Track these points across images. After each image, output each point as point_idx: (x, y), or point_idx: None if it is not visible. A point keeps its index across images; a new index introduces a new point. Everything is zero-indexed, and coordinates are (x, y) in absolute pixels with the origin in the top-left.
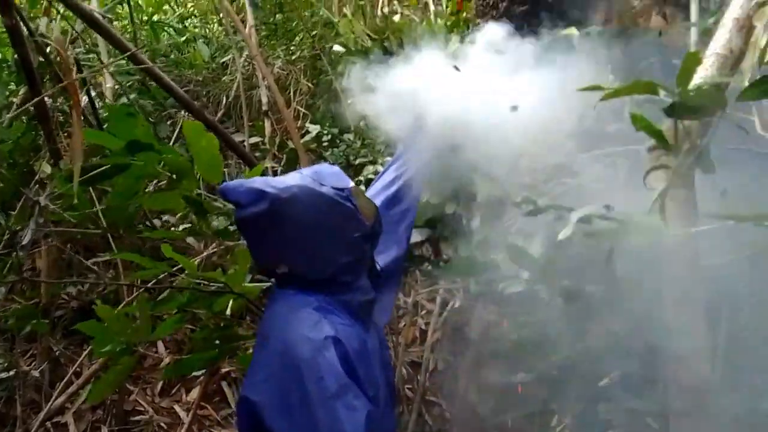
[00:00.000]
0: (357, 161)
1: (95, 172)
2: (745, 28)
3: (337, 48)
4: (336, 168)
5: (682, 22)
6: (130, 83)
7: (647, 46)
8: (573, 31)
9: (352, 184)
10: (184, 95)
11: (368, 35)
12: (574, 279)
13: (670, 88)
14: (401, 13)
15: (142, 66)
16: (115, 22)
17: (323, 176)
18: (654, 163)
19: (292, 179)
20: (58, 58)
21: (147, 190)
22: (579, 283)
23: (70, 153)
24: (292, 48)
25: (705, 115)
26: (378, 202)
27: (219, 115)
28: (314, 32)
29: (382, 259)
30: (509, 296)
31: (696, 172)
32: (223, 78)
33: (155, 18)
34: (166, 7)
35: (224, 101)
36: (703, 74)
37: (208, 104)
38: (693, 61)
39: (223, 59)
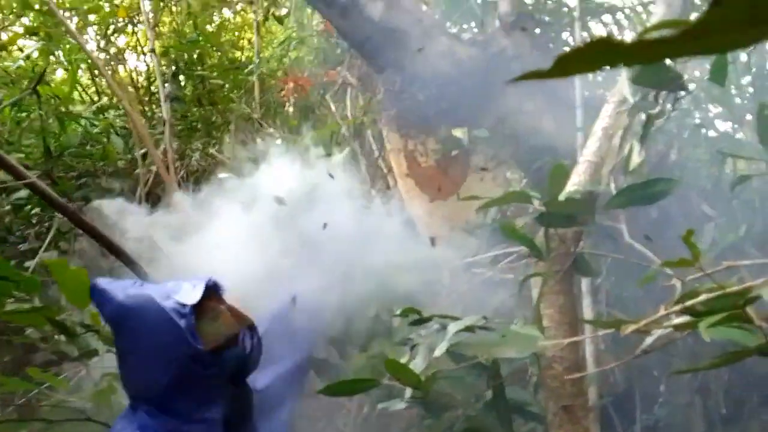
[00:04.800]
0: None
1: None
2: (613, 136)
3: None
4: (206, 281)
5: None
6: None
7: (539, 147)
8: (460, 133)
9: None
10: (67, 206)
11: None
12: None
13: (541, 198)
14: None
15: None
16: (23, 113)
17: (179, 288)
18: (532, 270)
19: (150, 289)
20: None
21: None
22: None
23: None
24: (212, 141)
25: (575, 223)
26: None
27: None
28: (232, 126)
29: (265, 378)
30: None
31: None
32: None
33: (71, 108)
34: (86, 97)
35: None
36: (576, 180)
37: (123, 194)
38: (560, 172)
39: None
